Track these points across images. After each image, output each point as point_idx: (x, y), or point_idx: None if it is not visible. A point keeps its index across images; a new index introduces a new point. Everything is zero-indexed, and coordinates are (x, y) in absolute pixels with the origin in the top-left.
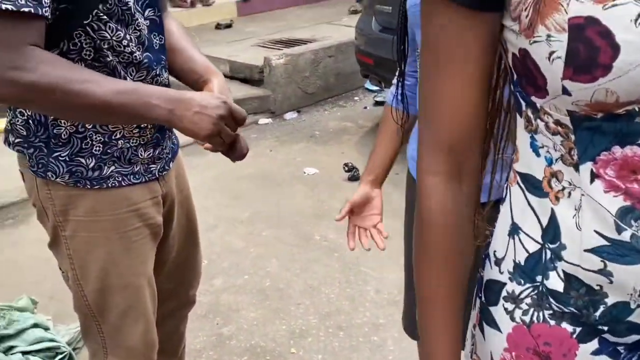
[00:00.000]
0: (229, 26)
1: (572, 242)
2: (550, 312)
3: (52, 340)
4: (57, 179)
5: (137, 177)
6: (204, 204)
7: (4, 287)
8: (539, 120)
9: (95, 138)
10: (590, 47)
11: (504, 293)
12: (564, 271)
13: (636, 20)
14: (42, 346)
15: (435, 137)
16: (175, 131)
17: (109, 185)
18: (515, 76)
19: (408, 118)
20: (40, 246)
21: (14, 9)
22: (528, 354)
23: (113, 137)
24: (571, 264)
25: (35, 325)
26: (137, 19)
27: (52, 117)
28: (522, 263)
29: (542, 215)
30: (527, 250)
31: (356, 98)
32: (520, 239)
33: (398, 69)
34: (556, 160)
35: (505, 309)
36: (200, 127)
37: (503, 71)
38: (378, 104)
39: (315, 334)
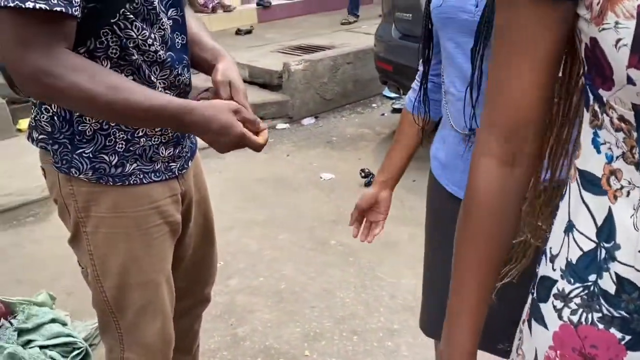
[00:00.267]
0: (249, 32)
1: (628, 242)
2: (600, 315)
3: (69, 335)
4: (81, 175)
5: (157, 174)
6: (221, 206)
7: (23, 282)
8: (604, 115)
9: (119, 135)
10: None
11: (554, 290)
12: (616, 273)
13: None
14: (59, 341)
15: (495, 120)
16: None
17: (131, 182)
18: (586, 68)
19: (429, 121)
20: (59, 243)
21: (47, 8)
22: (573, 354)
23: (135, 135)
24: (625, 264)
25: (53, 321)
26: (161, 19)
27: (77, 114)
28: (574, 262)
29: (598, 214)
30: (581, 249)
31: (374, 105)
32: (574, 237)
33: (420, 71)
34: (617, 158)
35: (554, 307)
36: (219, 149)
37: (578, 64)
38: (396, 111)
39: (330, 338)
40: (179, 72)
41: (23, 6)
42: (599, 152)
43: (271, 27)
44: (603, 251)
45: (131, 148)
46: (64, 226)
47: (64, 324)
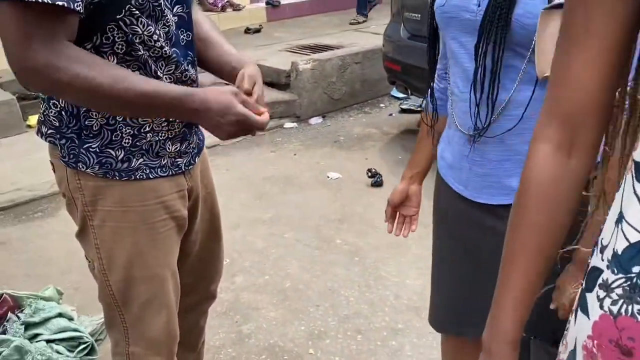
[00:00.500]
0: (258, 31)
1: None
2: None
3: (75, 330)
4: (87, 170)
5: (164, 170)
6: (227, 204)
7: (31, 277)
8: None
9: (125, 130)
10: None
11: (599, 280)
12: None
13: None
14: (65, 335)
15: (554, 106)
16: (201, 128)
17: (137, 177)
18: None
19: (437, 119)
20: (68, 239)
21: (50, 2)
22: (610, 345)
23: (142, 130)
24: None
25: (60, 315)
26: (166, 15)
27: (84, 109)
28: (620, 252)
29: None
30: (627, 240)
31: (381, 105)
32: (622, 228)
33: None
34: None
35: (598, 296)
36: (222, 133)
37: None
38: (404, 111)
39: (334, 336)
40: (185, 67)
41: None
42: None
43: (280, 26)
44: None
45: (138, 143)
46: (72, 222)
47: (71, 319)
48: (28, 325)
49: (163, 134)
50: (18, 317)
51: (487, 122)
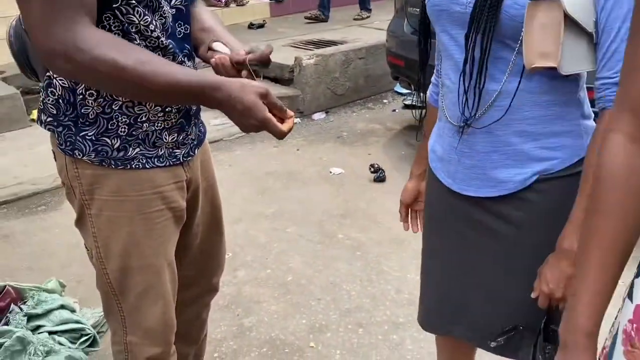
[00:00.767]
0: (261, 26)
1: None
2: None
3: (77, 322)
4: (84, 157)
5: (161, 160)
6: (230, 199)
7: (34, 269)
8: None
9: (121, 119)
10: None
11: None
12: None
13: None
14: (67, 327)
15: (625, 96)
16: (203, 120)
17: (133, 166)
18: None
19: (426, 113)
20: (70, 232)
21: None
22: None
23: (138, 120)
24: None
25: (62, 307)
26: (163, 6)
27: (80, 97)
28: None
29: None
30: None
31: (385, 100)
32: None
33: (426, 67)
34: None
35: None
36: (242, 129)
37: None
38: (407, 107)
39: (335, 330)
40: (182, 59)
41: None
42: None
43: (284, 21)
44: None
45: (134, 132)
46: (74, 216)
47: (73, 311)
48: (30, 317)
49: (159, 124)
50: (21, 309)
51: (474, 112)
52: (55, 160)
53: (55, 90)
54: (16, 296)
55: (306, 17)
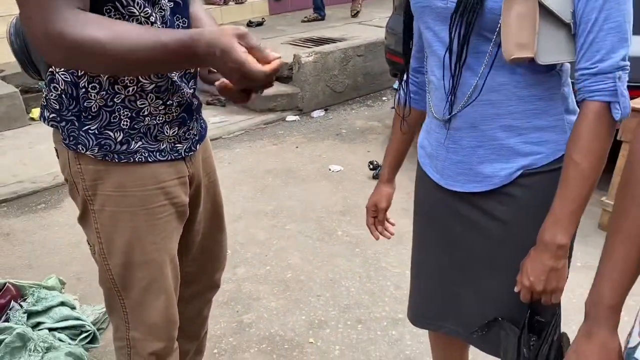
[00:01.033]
0: (260, 24)
1: None
2: None
3: (77, 319)
4: (87, 152)
5: (163, 154)
6: (230, 196)
7: (34, 267)
8: None
9: (123, 113)
10: None
11: None
12: None
13: None
14: (67, 324)
15: None
16: (205, 118)
17: (136, 160)
18: None
19: (410, 112)
20: (70, 230)
21: None
22: None
23: (140, 113)
24: None
25: (62, 304)
26: (161, 0)
27: (83, 90)
28: None
29: None
30: None
31: (384, 98)
32: None
33: (406, 65)
34: None
35: None
36: (231, 79)
37: None
38: None
39: (334, 326)
40: None
41: None
42: None
43: (282, 19)
44: None
45: (136, 126)
46: (74, 213)
47: (73, 308)
48: (31, 314)
49: (161, 118)
50: (21, 306)
51: (459, 106)
52: (58, 157)
53: (58, 86)
54: (16, 293)
55: (303, 21)
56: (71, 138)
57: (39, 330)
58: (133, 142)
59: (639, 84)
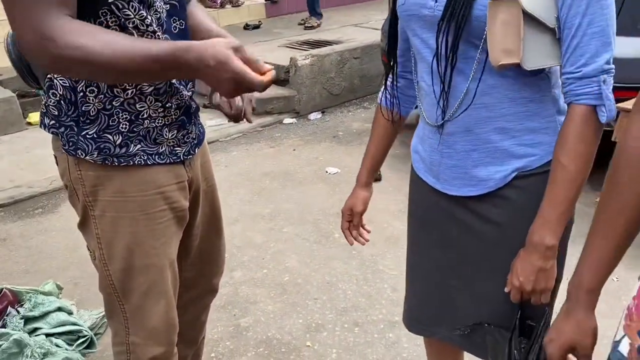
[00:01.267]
0: (257, 27)
1: None
2: None
3: (74, 324)
4: (87, 157)
5: (162, 157)
6: (227, 199)
7: (31, 272)
8: None
9: (122, 116)
10: None
11: None
12: None
13: None
14: (65, 329)
15: None
16: (202, 121)
17: (135, 162)
18: None
19: (400, 117)
20: (67, 235)
21: None
22: None
23: (139, 117)
24: None
25: (59, 309)
26: (156, 2)
27: (81, 95)
28: None
29: None
30: None
31: None
32: None
33: (390, 69)
34: None
35: None
36: (222, 90)
37: None
38: None
39: (331, 329)
40: None
41: None
42: None
43: (279, 22)
44: None
45: (135, 129)
46: (72, 218)
47: (70, 313)
48: (27, 320)
49: (160, 120)
50: (18, 312)
51: (451, 111)
52: (57, 164)
53: (56, 92)
54: (13, 299)
55: (301, 25)
56: (70, 144)
57: (35, 336)
58: (132, 145)
59: (629, 85)
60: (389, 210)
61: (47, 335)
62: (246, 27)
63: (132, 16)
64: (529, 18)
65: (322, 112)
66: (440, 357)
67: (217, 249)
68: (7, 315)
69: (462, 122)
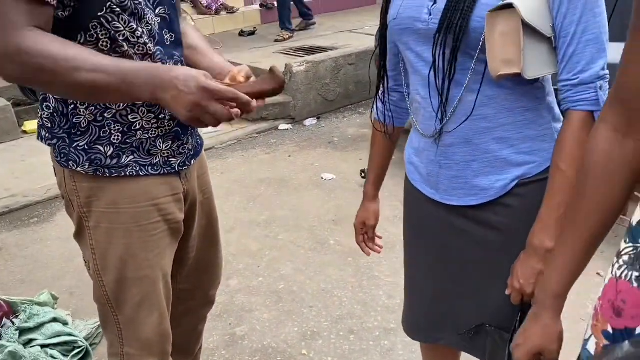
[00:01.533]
0: (252, 33)
1: None
2: (637, 274)
3: (70, 334)
4: (78, 169)
5: (155, 168)
6: (222, 207)
7: (26, 282)
8: None
9: (114, 127)
10: None
11: (619, 249)
12: None
13: None
14: (60, 340)
15: (617, 90)
16: (200, 131)
17: (127, 173)
18: None
19: (394, 130)
20: (62, 244)
21: None
22: (607, 305)
23: (132, 128)
24: None
25: (55, 320)
26: (147, 15)
27: (72, 107)
28: (634, 224)
29: None
30: None
31: None
32: None
33: (380, 83)
34: None
35: (613, 264)
36: (178, 113)
37: None
38: None
39: (327, 337)
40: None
41: None
42: None
43: (274, 28)
44: None
45: (128, 140)
46: (67, 227)
47: (65, 323)
48: (23, 331)
49: (153, 132)
50: (13, 323)
51: (450, 123)
52: (56, 175)
53: (50, 104)
54: (8, 310)
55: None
56: (62, 155)
57: (31, 347)
58: (124, 156)
59: None
60: (385, 216)
61: (43, 346)
62: (241, 33)
63: (122, 29)
64: (528, 28)
65: (318, 118)
66: None
67: (214, 260)
68: (2, 327)
69: (461, 133)
